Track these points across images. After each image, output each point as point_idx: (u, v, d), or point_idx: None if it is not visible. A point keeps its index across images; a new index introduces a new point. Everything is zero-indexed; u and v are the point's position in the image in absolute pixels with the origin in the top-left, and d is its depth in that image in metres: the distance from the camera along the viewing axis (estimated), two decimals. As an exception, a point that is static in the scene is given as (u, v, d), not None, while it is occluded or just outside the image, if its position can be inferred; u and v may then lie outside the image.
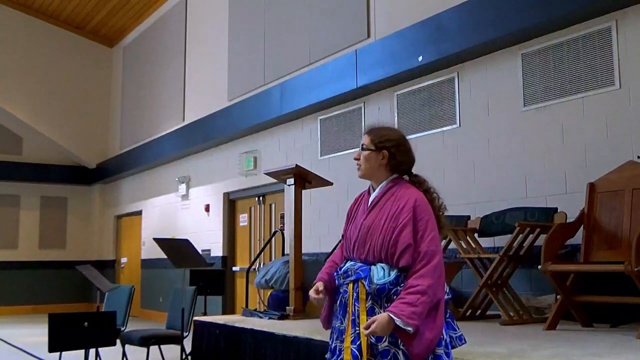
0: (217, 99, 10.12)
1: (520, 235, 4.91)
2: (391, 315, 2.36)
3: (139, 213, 13.14)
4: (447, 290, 2.57)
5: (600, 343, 3.74)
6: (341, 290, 2.62)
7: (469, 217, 5.72)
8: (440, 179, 6.36)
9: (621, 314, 4.55)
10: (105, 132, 14.69)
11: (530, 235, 4.94)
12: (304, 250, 5.27)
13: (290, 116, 8.40)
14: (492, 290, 5.03)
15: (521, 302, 5.08)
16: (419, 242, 2.46)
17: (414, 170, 2.76)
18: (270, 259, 8.78)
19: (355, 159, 2.71)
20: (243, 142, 9.65)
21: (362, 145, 2.69)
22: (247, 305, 7.55)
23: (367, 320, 2.45)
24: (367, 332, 2.39)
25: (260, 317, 5.48)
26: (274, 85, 8.68)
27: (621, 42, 5.01)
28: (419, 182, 2.65)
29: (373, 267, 2.53)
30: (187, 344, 5.80)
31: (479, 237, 5.47)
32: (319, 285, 2.67)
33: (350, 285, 2.56)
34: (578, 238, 4.67)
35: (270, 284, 6.17)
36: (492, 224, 5.37)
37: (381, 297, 2.49)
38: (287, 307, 5.34)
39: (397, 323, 2.35)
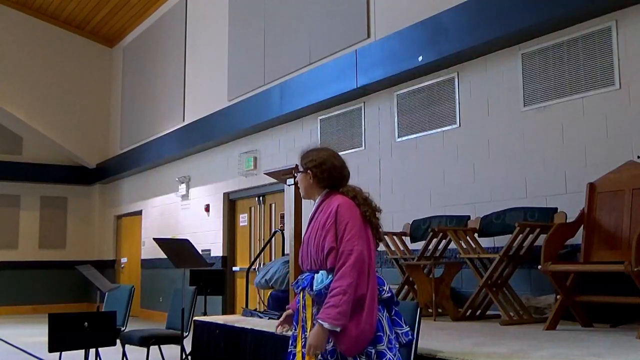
0: (217, 99, 10.12)
1: (520, 235, 4.91)
2: (320, 321, 2.53)
3: (139, 213, 13.14)
4: (388, 289, 2.72)
5: (600, 343, 3.74)
6: (297, 299, 2.81)
7: (469, 217, 5.72)
8: (440, 179, 6.37)
9: (621, 314, 4.55)
10: (105, 132, 14.69)
11: (530, 235, 4.94)
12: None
13: (290, 116, 8.40)
14: (492, 290, 5.03)
15: (521, 302, 5.08)
16: (340, 244, 2.63)
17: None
18: (270, 259, 8.78)
19: (296, 181, 2.98)
20: (243, 142, 9.65)
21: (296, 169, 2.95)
22: (247, 305, 7.55)
23: (312, 325, 2.63)
24: (310, 352, 2.55)
25: (260, 317, 5.48)
26: (274, 85, 8.67)
27: (621, 42, 5.01)
28: (347, 191, 2.81)
29: (316, 275, 2.70)
30: (187, 344, 5.80)
31: (479, 237, 5.47)
32: (283, 315, 2.94)
33: (301, 294, 2.76)
34: (578, 238, 4.67)
35: (270, 284, 6.17)
36: (492, 224, 5.37)
37: (322, 301, 2.62)
38: (287, 307, 5.33)
39: (326, 327, 2.51)
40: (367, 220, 2.71)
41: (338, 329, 2.50)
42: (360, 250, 2.59)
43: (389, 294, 2.71)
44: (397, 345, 2.66)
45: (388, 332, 2.63)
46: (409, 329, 2.76)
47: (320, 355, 2.61)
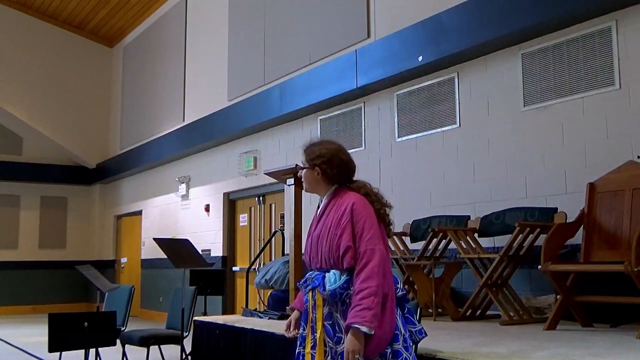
0: (217, 99, 10.12)
1: (520, 235, 4.91)
2: (355, 326, 2.43)
3: (139, 213, 13.14)
4: (401, 287, 2.68)
5: (600, 343, 3.74)
6: (305, 298, 2.74)
7: (469, 217, 5.73)
8: (440, 179, 6.37)
9: (621, 314, 4.55)
10: (105, 132, 14.69)
11: (530, 235, 4.94)
12: (304, 250, 5.26)
13: (290, 116, 8.40)
14: (492, 290, 5.03)
15: (521, 302, 5.08)
16: (359, 243, 2.56)
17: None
18: (270, 259, 8.78)
19: (299, 176, 2.88)
20: (243, 142, 9.65)
21: (301, 163, 2.86)
22: (247, 305, 7.55)
23: (323, 326, 2.58)
24: (350, 358, 2.45)
25: (260, 317, 5.48)
26: (274, 85, 8.67)
27: (621, 42, 5.01)
28: (358, 187, 2.76)
29: (327, 274, 2.63)
30: (187, 344, 5.80)
31: (479, 237, 5.47)
32: (291, 318, 2.82)
33: (310, 294, 2.68)
34: (578, 238, 4.67)
35: (270, 284, 6.17)
36: (492, 224, 5.37)
37: (335, 301, 2.59)
38: (287, 307, 5.34)
39: (364, 330, 2.42)
40: (381, 218, 2.67)
41: (373, 332, 2.43)
42: (382, 249, 2.54)
43: (403, 292, 2.66)
44: (412, 344, 2.62)
45: (402, 331, 2.59)
46: (421, 326, 2.72)
47: (330, 357, 2.56)
